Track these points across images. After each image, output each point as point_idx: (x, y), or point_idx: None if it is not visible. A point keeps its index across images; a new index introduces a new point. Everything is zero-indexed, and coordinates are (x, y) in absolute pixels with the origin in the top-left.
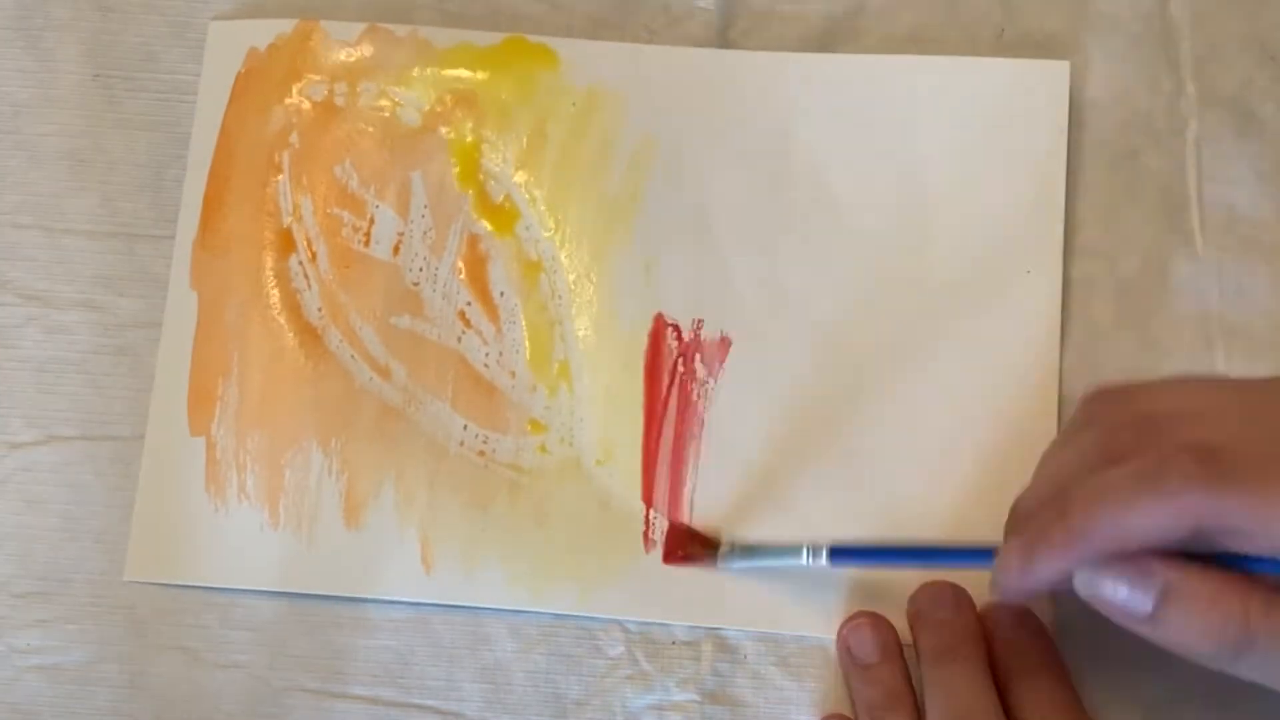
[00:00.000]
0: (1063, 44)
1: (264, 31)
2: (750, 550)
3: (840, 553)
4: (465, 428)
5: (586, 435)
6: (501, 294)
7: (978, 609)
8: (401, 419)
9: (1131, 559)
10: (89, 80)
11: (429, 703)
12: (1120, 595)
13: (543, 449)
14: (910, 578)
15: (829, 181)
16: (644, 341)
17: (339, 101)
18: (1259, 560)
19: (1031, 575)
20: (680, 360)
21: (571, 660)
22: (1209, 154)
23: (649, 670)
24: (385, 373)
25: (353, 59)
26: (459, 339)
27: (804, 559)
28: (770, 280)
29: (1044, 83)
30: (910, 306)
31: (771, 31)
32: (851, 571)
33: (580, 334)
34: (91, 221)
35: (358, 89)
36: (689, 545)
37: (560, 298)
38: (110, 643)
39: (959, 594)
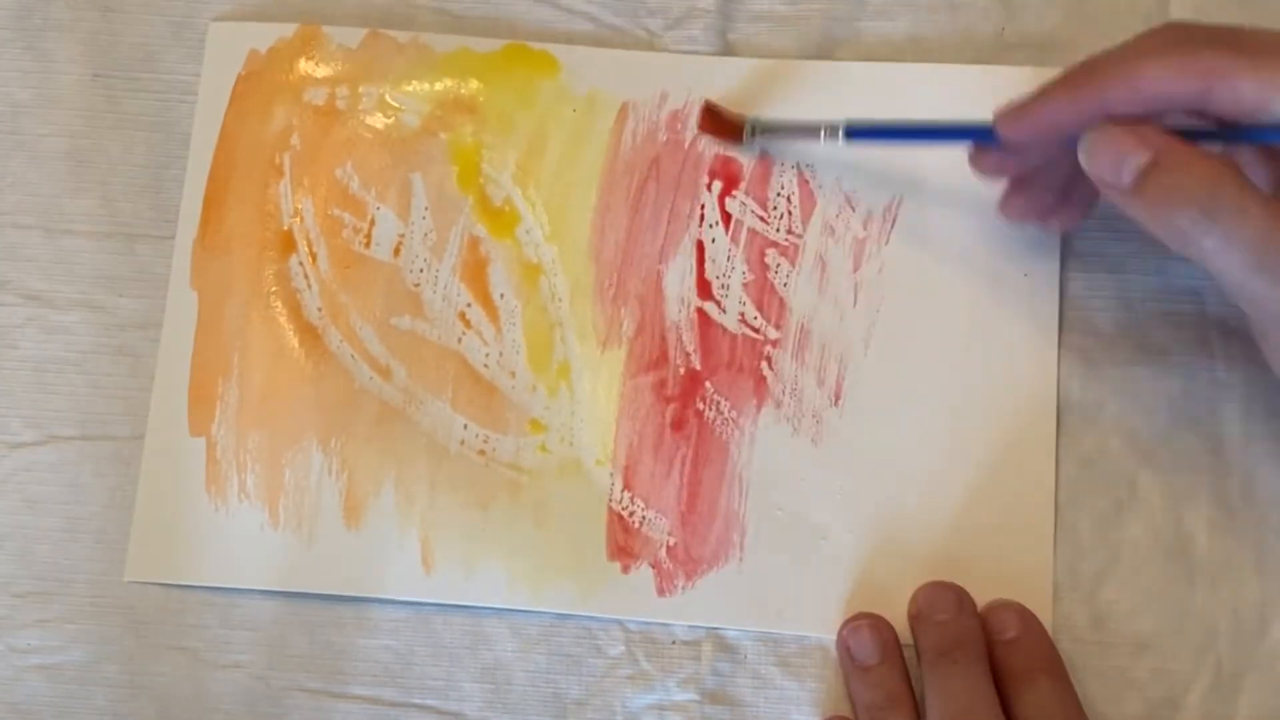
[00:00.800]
0: (1063, 44)
1: (265, 34)
2: (773, 127)
3: (856, 132)
4: (465, 427)
5: (587, 435)
6: (502, 296)
7: (978, 609)
8: (402, 419)
9: (1132, 124)
10: (89, 80)
11: (429, 703)
12: (1113, 154)
13: (543, 449)
14: (911, 579)
15: (821, 183)
16: (644, 342)
17: (340, 105)
18: (1249, 131)
19: (1035, 112)
20: (681, 360)
21: (571, 660)
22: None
23: (649, 670)
24: (385, 373)
25: (354, 63)
26: (459, 340)
27: (820, 138)
28: (767, 279)
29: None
30: (908, 310)
31: (771, 33)
32: (851, 569)
33: (580, 336)
34: (91, 221)
35: (358, 92)
36: (718, 121)
37: (560, 300)
38: (110, 643)
39: (961, 595)
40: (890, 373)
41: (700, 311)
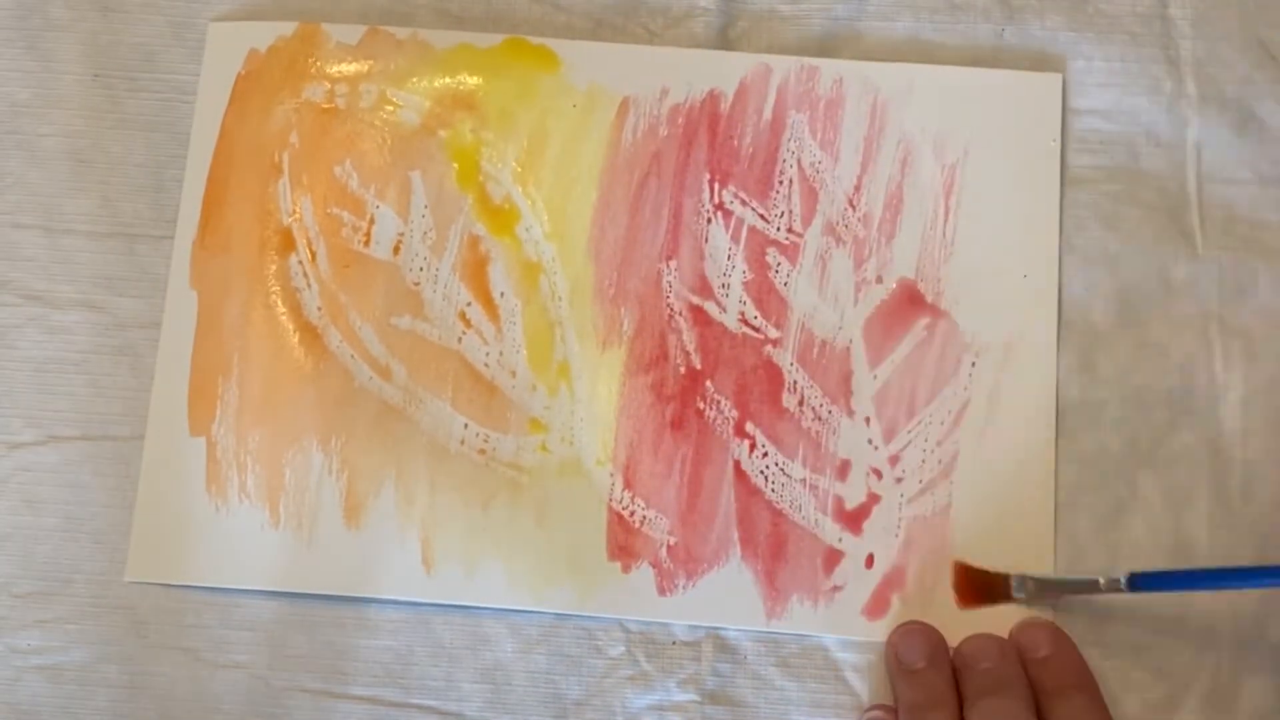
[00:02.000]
0: (1063, 44)
1: (265, 33)
2: (1044, 584)
3: (1142, 581)
4: (466, 427)
5: (587, 435)
6: (502, 295)
7: (1010, 629)
8: (402, 418)
9: None
10: (89, 80)
11: (429, 703)
12: None
13: (543, 448)
14: (912, 579)
15: (823, 181)
16: (644, 342)
17: (339, 103)
18: None
19: None
20: (681, 360)
21: (571, 660)
22: (1209, 154)
23: (649, 670)
24: (385, 372)
25: (353, 61)
26: (459, 339)
27: (1100, 589)
28: (767, 278)
29: (1038, 94)
30: (908, 310)
31: (772, 32)
32: (851, 569)
33: (580, 335)
34: (91, 221)
35: (358, 90)
36: (979, 585)
37: (560, 299)
38: (110, 643)
39: (1003, 644)
40: (890, 373)
41: (700, 310)
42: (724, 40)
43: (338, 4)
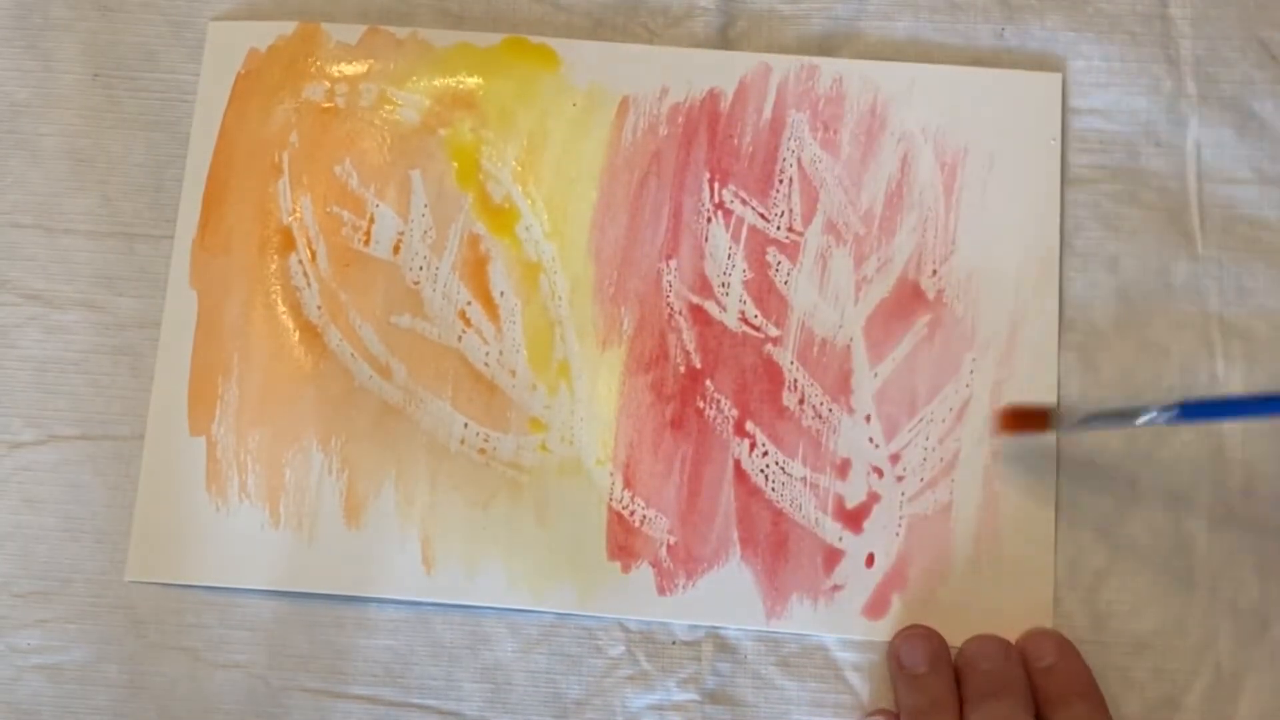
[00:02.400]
0: (1063, 44)
1: (265, 33)
2: (1089, 419)
3: (1192, 410)
4: (466, 426)
5: (587, 434)
6: (502, 294)
7: (1017, 634)
8: (402, 418)
9: None
10: (89, 80)
11: (429, 703)
12: None
13: (543, 448)
14: (912, 579)
15: (823, 180)
16: (644, 341)
17: (339, 102)
18: None
19: None
20: (681, 359)
21: (571, 660)
22: (1209, 154)
23: (649, 670)
24: (385, 371)
25: (353, 61)
26: (459, 338)
27: (1147, 419)
28: (767, 277)
29: (1038, 93)
30: (909, 308)
31: (771, 31)
32: (852, 569)
33: (580, 334)
34: (91, 221)
35: (358, 89)
36: (1024, 422)
37: (560, 298)
38: (110, 643)
39: (1006, 646)
40: (891, 371)
41: (700, 310)
42: (724, 39)
43: (337, 3)
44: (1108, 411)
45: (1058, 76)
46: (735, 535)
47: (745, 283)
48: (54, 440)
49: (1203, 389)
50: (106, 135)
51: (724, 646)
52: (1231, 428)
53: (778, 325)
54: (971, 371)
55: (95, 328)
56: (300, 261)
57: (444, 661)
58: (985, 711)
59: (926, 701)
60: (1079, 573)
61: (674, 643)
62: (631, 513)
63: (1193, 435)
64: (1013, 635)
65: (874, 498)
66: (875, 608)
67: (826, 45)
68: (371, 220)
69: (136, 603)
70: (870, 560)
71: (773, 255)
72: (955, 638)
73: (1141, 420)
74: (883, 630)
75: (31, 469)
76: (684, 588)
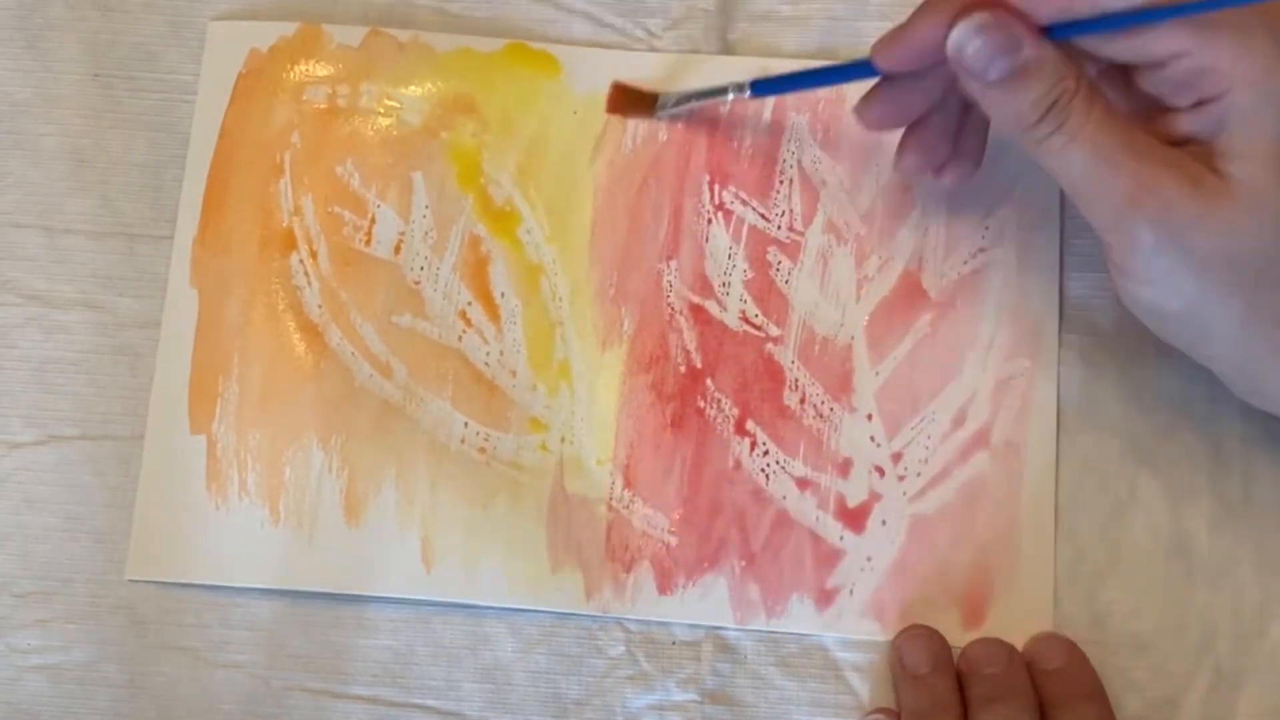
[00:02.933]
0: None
1: (266, 33)
2: (683, 98)
3: (761, 85)
4: (466, 425)
5: (587, 434)
6: (502, 295)
7: (1018, 634)
8: (402, 417)
9: (1002, 23)
10: (89, 80)
11: (429, 703)
12: (983, 55)
13: (543, 447)
14: (911, 579)
15: (824, 181)
16: (644, 341)
17: (341, 103)
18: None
19: (908, 36)
20: (681, 359)
21: (571, 660)
22: None
23: (649, 670)
24: (386, 371)
25: (354, 62)
26: (460, 338)
27: (729, 96)
28: (768, 276)
29: None
30: (910, 307)
31: (772, 33)
32: (852, 568)
33: (580, 335)
34: (91, 221)
35: (359, 91)
36: (629, 98)
37: (561, 299)
38: (110, 643)
39: (1010, 651)
40: (892, 370)
41: (701, 309)
42: (724, 41)
43: (338, 4)
44: (700, 91)
45: None
46: (736, 535)
47: (746, 282)
48: (54, 440)
49: (1203, 389)
50: (106, 135)
51: (724, 646)
52: (1231, 426)
53: (778, 324)
54: (971, 371)
55: (95, 328)
56: (301, 261)
57: (444, 661)
58: (991, 716)
59: (929, 702)
60: (1079, 573)
61: (674, 643)
62: (632, 512)
63: (1193, 435)
64: (1014, 635)
65: (875, 497)
66: (876, 608)
67: (827, 46)
68: (373, 220)
69: (136, 603)
70: (871, 560)
71: (773, 255)
72: (957, 639)
73: (727, 97)
74: (883, 630)
75: (31, 469)
76: (684, 587)
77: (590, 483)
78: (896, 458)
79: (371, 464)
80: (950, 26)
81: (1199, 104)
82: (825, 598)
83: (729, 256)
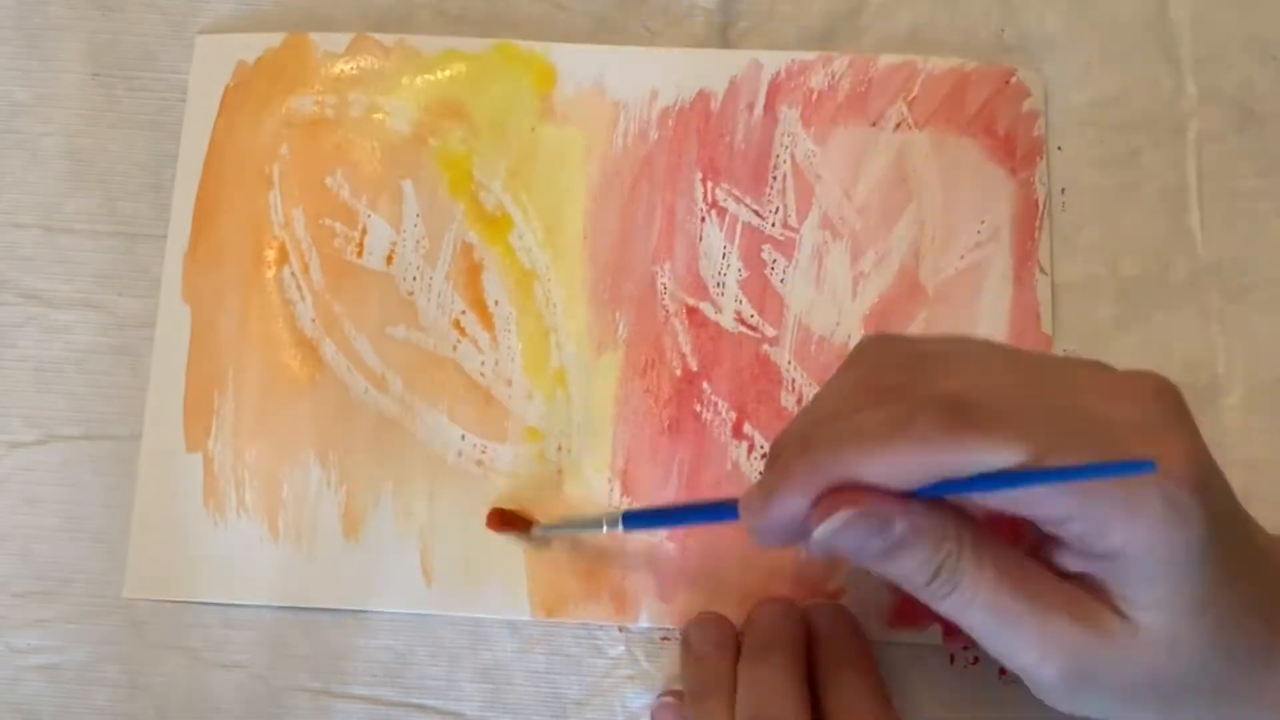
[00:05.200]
0: (1063, 44)
1: (252, 45)
2: (558, 526)
3: (632, 518)
4: (463, 438)
5: (584, 441)
6: (496, 303)
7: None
8: (399, 430)
9: (865, 512)
10: (89, 80)
11: (429, 703)
12: (853, 544)
13: (541, 457)
14: None
15: (818, 175)
16: (640, 345)
17: (329, 113)
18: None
19: (771, 510)
20: (677, 362)
21: (571, 660)
22: (1209, 154)
23: (649, 670)
24: (381, 383)
25: (341, 70)
26: (454, 347)
27: (603, 528)
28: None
29: (1036, 91)
30: (907, 304)
31: (773, 30)
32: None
33: (575, 341)
34: (91, 221)
35: (347, 100)
36: (506, 521)
37: (555, 306)
38: (109, 642)
39: (787, 606)
40: None
41: (696, 311)
42: (725, 39)
43: (338, 4)
44: (574, 521)
45: (1056, 74)
46: (735, 539)
47: (741, 282)
48: (54, 440)
49: (1204, 389)
50: (106, 135)
51: None
52: (1232, 426)
53: (774, 325)
54: None
55: (95, 328)
56: (293, 274)
57: (444, 661)
58: (754, 665)
59: (708, 679)
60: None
61: (674, 642)
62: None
63: None
64: None
65: None
66: (876, 607)
67: (827, 43)
68: (364, 231)
69: (136, 603)
70: None
71: (768, 253)
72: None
73: (601, 529)
74: (881, 629)
75: (31, 469)
76: (685, 594)
77: (589, 490)
78: None
79: (369, 478)
80: (812, 506)
81: (1103, 556)
82: (827, 599)
83: (723, 256)
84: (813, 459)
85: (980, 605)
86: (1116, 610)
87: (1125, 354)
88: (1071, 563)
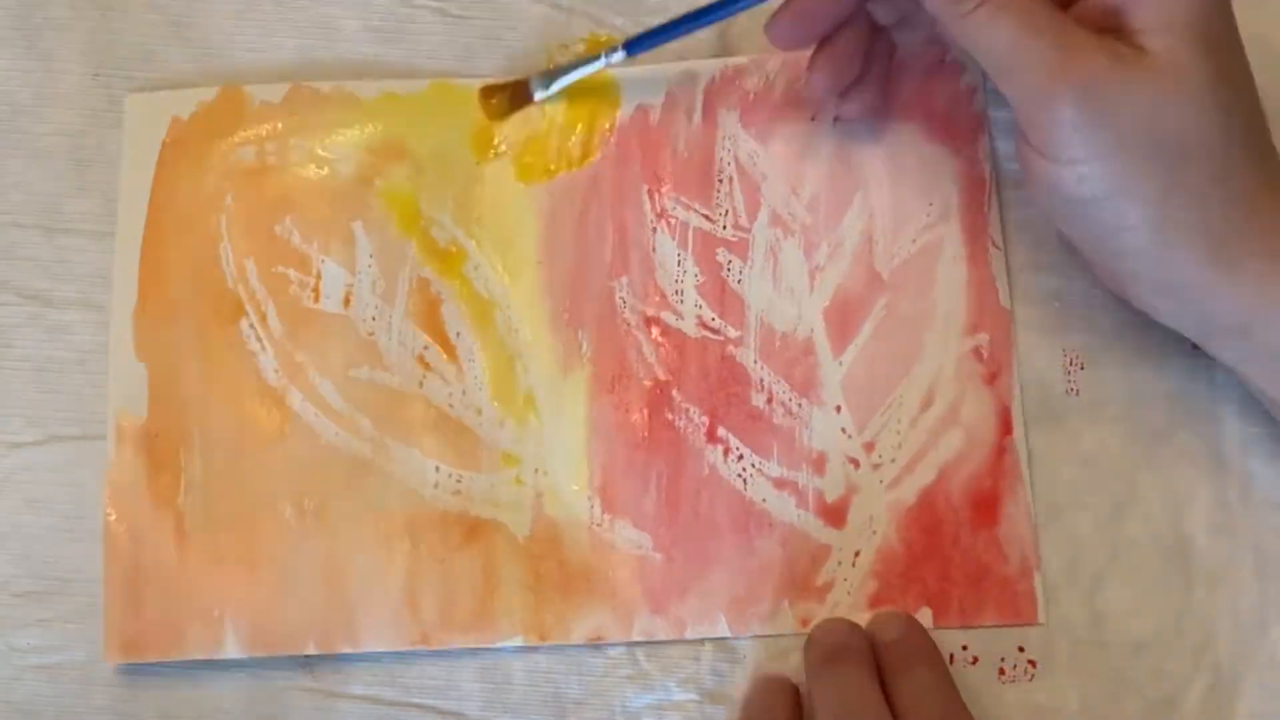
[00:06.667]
0: None
1: (185, 101)
2: (555, 72)
3: (634, 43)
4: (438, 470)
5: (560, 462)
6: (458, 334)
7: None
8: (373, 470)
9: None
10: (89, 79)
11: (429, 703)
12: None
13: (518, 481)
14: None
15: (763, 174)
16: (605, 361)
17: (270, 160)
18: None
19: None
20: (644, 373)
21: (571, 660)
22: None
23: (649, 670)
24: (352, 427)
25: (280, 119)
26: (420, 383)
27: (602, 60)
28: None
29: (956, 66)
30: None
31: None
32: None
33: (541, 364)
34: (91, 221)
35: (288, 146)
36: (500, 95)
37: (517, 332)
38: None
39: (852, 626)
40: (855, 358)
41: (657, 320)
42: (724, 40)
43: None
44: (571, 64)
45: None
46: (720, 544)
47: (699, 287)
48: (54, 440)
49: (1203, 390)
50: (106, 135)
51: (723, 646)
52: (1231, 429)
53: (736, 326)
54: (935, 349)
55: (95, 327)
56: (252, 325)
57: (444, 661)
58: (825, 675)
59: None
60: (1079, 573)
61: (673, 642)
62: (615, 535)
63: (1193, 435)
64: (1002, 608)
65: (853, 489)
66: (867, 601)
67: None
68: (318, 276)
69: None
70: (857, 553)
71: (723, 255)
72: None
73: (599, 64)
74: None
75: (31, 469)
76: (676, 603)
77: (569, 510)
78: (869, 447)
79: (348, 521)
80: None
81: None
82: (816, 595)
83: (678, 263)
84: None
85: (1009, 13)
86: (1132, 45)
87: (1124, 353)
88: (1093, 3)
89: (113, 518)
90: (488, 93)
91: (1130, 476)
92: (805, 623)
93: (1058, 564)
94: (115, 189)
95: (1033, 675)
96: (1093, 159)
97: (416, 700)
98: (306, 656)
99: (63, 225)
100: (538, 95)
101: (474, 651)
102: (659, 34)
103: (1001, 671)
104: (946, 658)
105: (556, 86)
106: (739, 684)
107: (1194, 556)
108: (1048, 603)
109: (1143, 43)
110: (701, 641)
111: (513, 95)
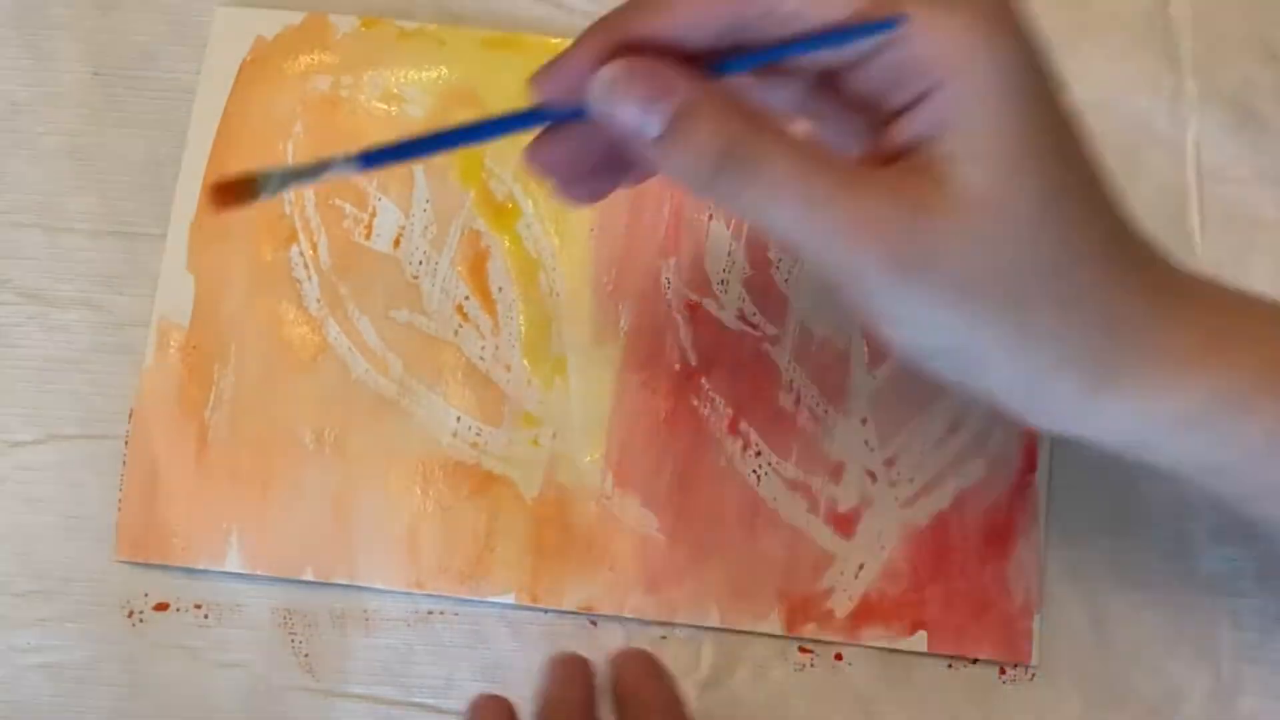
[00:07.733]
0: (1062, 44)
1: (272, 21)
2: (288, 176)
3: (370, 157)
4: (459, 420)
5: (580, 430)
6: (500, 289)
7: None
8: (396, 410)
9: (651, 73)
10: (89, 78)
11: (429, 702)
12: (636, 108)
13: (536, 442)
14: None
15: None
16: (641, 338)
17: (344, 93)
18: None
19: (567, 64)
20: (676, 357)
21: None
22: (1209, 153)
23: None
24: (382, 365)
25: (359, 52)
26: (455, 332)
27: (334, 168)
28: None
29: None
30: None
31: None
32: (844, 566)
33: (577, 331)
34: (91, 221)
35: (363, 81)
36: (229, 190)
37: (558, 295)
38: (110, 642)
39: (582, 662)
40: (890, 375)
41: (698, 307)
42: None
43: (337, 2)
44: (303, 168)
45: None
46: (725, 536)
47: (745, 280)
48: (54, 440)
49: None
50: (106, 133)
51: (722, 644)
52: None
53: (776, 324)
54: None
55: (95, 327)
56: (301, 253)
57: (444, 661)
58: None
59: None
60: (1079, 574)
61: (672, 639)
62: (623, 510)
63: None
64: (997, 643)
65: (867, 502)
66: (864, 613)
67: None
68: (373, 214)
69: (136, 601)
70: (861, 565)
71: (775, 251)
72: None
73: (330, 172)
74: (876, 636)
75: (31, 469)
76: (675, 586)
77: (581, 479)
78: (890, 463)
79: (364, 458)
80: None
81: (918, 100)
82: (815, 601)
83: (728, 254)
84: (604, 20)
85: (787, 193)
86: (942, 180)
87: None
88: (901, 132)
89: (141, 419)
90: (214, 189)
91: (1131, 478)
92: (795, 627)
93: (1058, 565)
94: (115, 189)
95: (1033, 675)
96: (923, 317)
97: (416, 700)
98: (299, 644)
99: (62, 224)
100: (265, 194)
101: (474, 651)
102: (398, 152)
103: (1002, 671)
104: (945, 664)
105: (285, 186)
106: (739, 681)
107: (1194, 558)
108: (1048, 602)
109: (955, 173)
110: (701, 639)
111: (240, 189)
